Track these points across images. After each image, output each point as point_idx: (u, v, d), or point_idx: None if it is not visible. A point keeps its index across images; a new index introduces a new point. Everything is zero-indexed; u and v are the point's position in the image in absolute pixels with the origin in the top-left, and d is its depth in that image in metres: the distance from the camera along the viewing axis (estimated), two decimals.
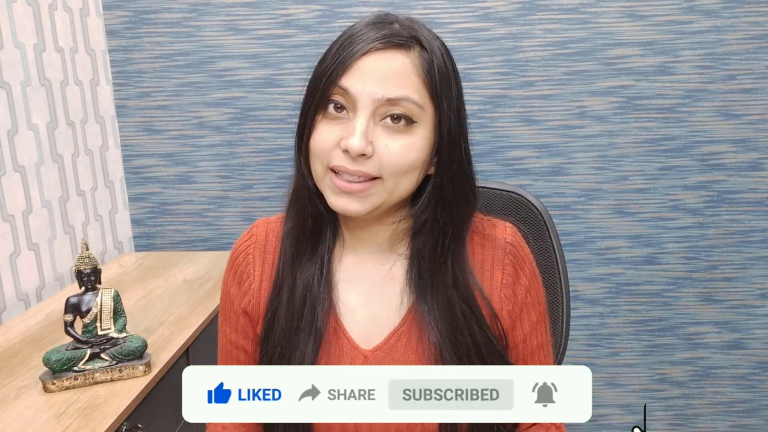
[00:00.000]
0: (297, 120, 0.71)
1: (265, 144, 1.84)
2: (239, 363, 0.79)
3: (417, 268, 0.73)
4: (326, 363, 0.72)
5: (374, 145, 0.65)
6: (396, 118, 0.66)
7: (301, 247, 0.74)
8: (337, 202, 0.68)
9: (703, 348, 1.90)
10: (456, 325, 0.71)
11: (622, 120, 1.78)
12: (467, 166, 0.72)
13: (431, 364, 0.71)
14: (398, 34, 0.66)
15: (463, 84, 0.72)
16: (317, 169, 0.69)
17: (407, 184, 0.69)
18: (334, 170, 0.67)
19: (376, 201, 0.68)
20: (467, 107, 0.73)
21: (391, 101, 0.65)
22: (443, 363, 0.70)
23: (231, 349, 0.80)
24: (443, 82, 0.68)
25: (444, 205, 0.71)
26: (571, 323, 1.11)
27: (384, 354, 0.73)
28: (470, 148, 0.73)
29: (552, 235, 1.07)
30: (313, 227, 0.74)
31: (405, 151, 0.66)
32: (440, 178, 0.70)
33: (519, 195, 1.08)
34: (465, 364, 0.70)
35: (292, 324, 0.73)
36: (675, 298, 1.87)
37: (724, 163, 1.79)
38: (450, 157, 0.69)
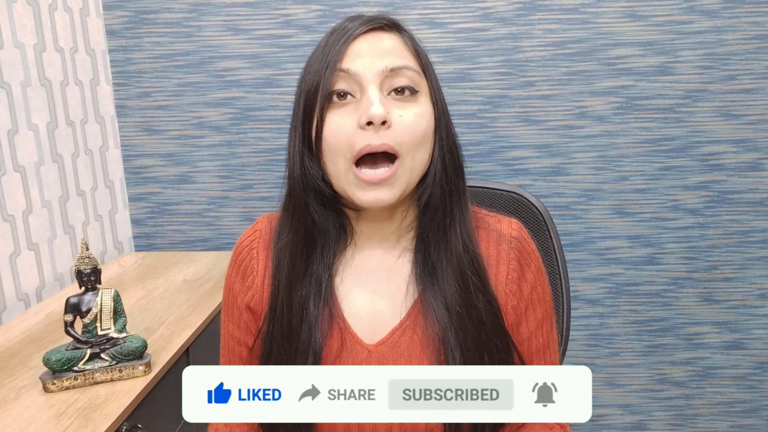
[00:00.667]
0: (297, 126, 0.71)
1: (265, 144, 1.84)
2: (241, 359, 0.79)
3: (423, 254, 0.73)
4: (330, 358, 0.72)
5: (390, 115, 0.66)
6: (401, 89, 0.68)
7: (297, 262, 0.73)
8: (366, 197, 0.67)
9: (703, 348, 1.90)
10: (466, 298, 0.71)
11: (622, 120, 1.78)
12: (455, 139, 0.74)
13: (435, 356, 0.71)
14: (381, 19, 0.71)
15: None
16: (339, 165, 0.68)
17: (423, 158, 0.70)
18: (356, 163, 0.67)
19: (402, 184, 0.68)
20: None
21: (395, 71, 0.67)
22: (446, 353, 0.70)
23: (233, 345, 0.79)
24: (427, 57, 0.73)
25: (446, 174, 0.72)
26: (571, 323, 1.11)
27: (388, 348, 0.73)
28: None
29: (552, 235, 1.07)
30: (307, 240, 0.73)
31: (418, 119, 0.68)
32: (442, 147, 0.71)
33: (519, 195, 1.08)
34: (469, 350, 0.70)
35: (290, 342, 0.72)
36: (675, 299, 1.87)
37: (724, 164, 1.79)
38: (446, 127, 0.72)
